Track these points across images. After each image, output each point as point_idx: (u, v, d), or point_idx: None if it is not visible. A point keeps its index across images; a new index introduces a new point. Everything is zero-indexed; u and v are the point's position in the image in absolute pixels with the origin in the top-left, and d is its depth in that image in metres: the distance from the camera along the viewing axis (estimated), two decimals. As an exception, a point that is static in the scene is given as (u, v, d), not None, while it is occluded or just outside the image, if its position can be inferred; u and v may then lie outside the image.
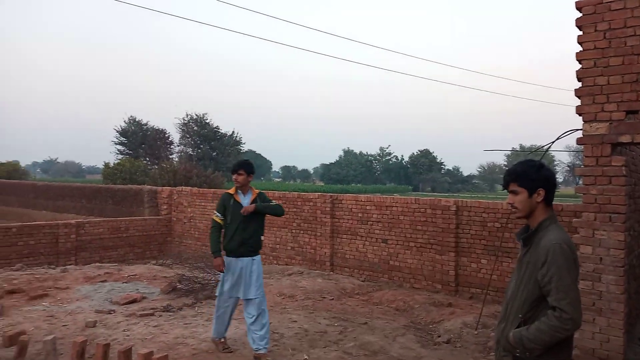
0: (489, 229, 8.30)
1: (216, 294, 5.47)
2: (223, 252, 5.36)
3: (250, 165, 5.44)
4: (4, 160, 36.25)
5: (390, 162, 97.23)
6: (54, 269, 10.28)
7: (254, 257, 5.34)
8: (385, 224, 9.63)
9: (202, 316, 6.61)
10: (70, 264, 11.58)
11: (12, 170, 33.89)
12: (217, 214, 5.40)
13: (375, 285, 9.23)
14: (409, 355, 5.54)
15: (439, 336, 6.25)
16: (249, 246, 5.29)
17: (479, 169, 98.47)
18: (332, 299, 7.99)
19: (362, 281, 9.52)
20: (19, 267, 10.48)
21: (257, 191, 5.54)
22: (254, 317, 5.16)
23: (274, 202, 5.56)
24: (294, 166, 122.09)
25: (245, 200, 5.37)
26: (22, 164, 40.71)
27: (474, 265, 8.45)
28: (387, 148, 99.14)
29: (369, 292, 8.58)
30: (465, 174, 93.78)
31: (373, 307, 7.65)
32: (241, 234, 5.25)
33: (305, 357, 5.29)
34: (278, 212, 5.52)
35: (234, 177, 5.40)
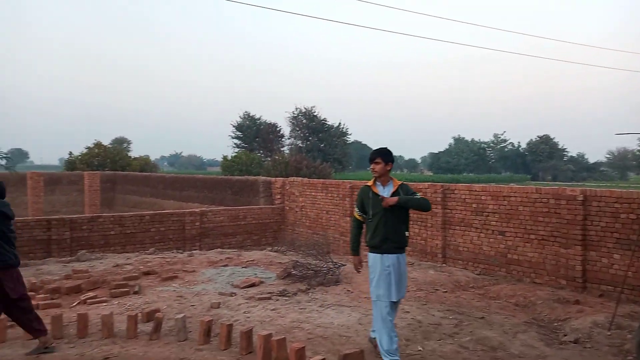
0: (622, 220, 7.49)
1: (372, 299, 4.93)
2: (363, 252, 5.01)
3: (387, 153, 4.93)
4: (137, 155, 40.31)
5: (506, 149, 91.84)
6: (181, 253, 11.21)
7: (400, 255, 4.86)
8: (503, 215, 9.13)
9: (316, 302, 6.79)
10: (195, 249, 12.54)
11: (144, 164, 37.53)
12: (356, 210, 5.04)
13: (492, 279, 8.81)
14: (532, 353, 5.21)
15: (565, 335, 5.80)
16: (393, 242, 4.79)
17: (608, 156, 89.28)
18: (446, 291, 7.77)
19: (477, 274, 9.14)
20: (152, 251, 11.58)
21: (399, 182, 4.98)
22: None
23: (419, 194, 4.95)
24: (400, 156, 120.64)
25: (385, 192, 4.88)
26: (152, 158, 44.93)
27: (605, 261, 7.70)
28: (502, 134, 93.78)
29: (484, 286, 8.21)
30: (592, 160, 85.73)
31: (490, 302, 7.31)
32: (383, 229, 4.77)
33: (420, 348, 5.20)
34: (423, 206, 4.88)
35: (370, 167, 4.94)
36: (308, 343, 5.00)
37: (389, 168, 4.92)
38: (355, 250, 5.10)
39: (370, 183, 5.02)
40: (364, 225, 5.06)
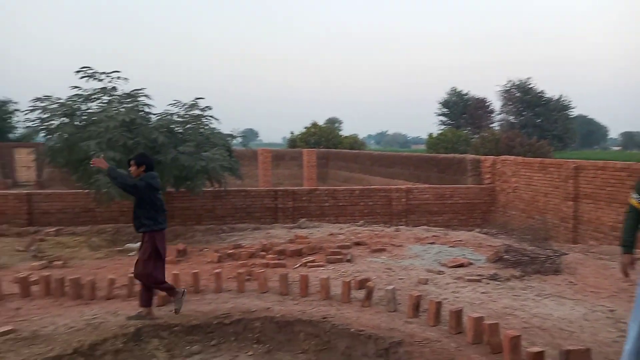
0: None
1: None
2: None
3: None
4: (347, 134, 42.66)
5: None
6: (388, 227, 11.55)
7: None
8: None
9: (532, 290, 6.29)
10: (401, 225, 12.78)
11: (353, 142, 39.58)
12: (636, 196, 4.00)
13: None
14: None
15: None
16: None
17: None
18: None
19: None
20: (362, 224, 12.19)
21: None
22: None
23: None
24: (637, 132, 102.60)
25: None
26: (360, 136, 47.04)
27: None
28: None
29: None
30: None
31: None
32: None
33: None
34: None
35: None
36: (523, 332, 4.66)
37: None
38: (629, 247, 4.01)
39: None
40: None
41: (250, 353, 5.09)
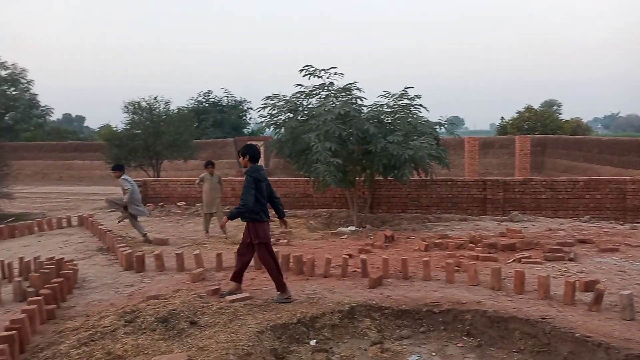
0: None
1: None
2: None
3: None
4: (568, 118, 38.12)
5: None
6: (621, 225, 10.04)
7: None
8: None
9: None
10: (638, 222, 10.96)
11: (575, 126, 35.24)
12: None
13: None
14: None
15: None
16: None
17: None
18: None
19: None
20: (587, 219, 10.84)
21: None
22: None
23: None
24: None
25: None
26: (584, 120, 41.57)
27: None
28: None
29: None
30: None
31: None
32: None
33: None
34: None
35: None
36: None
37: None
38: None
39: None
40: None
41: (459, 345, 5.00)
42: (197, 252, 7.40)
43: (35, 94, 41.17)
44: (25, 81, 39.98)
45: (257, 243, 5.74)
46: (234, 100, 38.53)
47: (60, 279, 5.85)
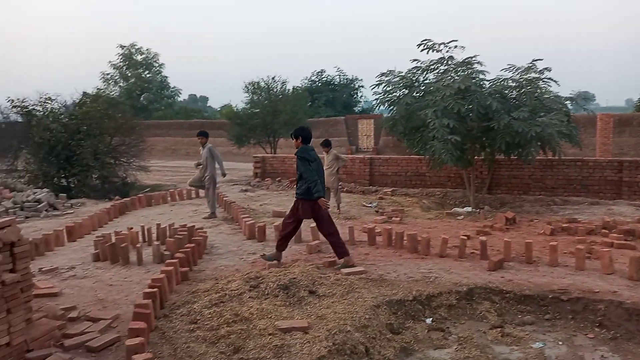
0: None
1: None
2: None
3: None
4: None
5: None
6: None
7: None
8: None
9: None
10: None
11: None
12: None
13: None
14: None
15: None
16: None
17: None
18: None
19: None
20: None
21: None
22: None
23: None
24: None
25: None
26: None
27: None
28: None
29: None
30: None
31: None
32: None
33: None
34: None
35: None
36: None
37: None
38: None
39: None
40: None
41: (590, 336, 4.64)
42: (313, 225, 7.64)
43: (166, 77, 45.00)
44: (157, 65, 43.82)
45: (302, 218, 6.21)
46: (346, 79, 38.75)
47: (192, 245, 6.39)
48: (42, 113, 14.40)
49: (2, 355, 3.53)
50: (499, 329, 4.74)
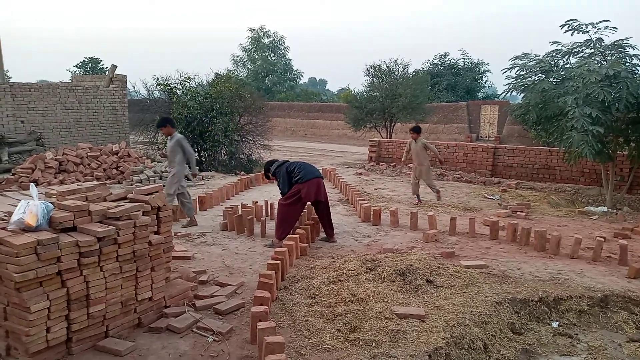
0: None
1: None
2: None
3: None
4: None
5: None
6: None
7: None
8: None
9: None
10: None
11: None
12: None
13: None
14: None
15: None
16: None
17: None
18: None
19: None
20: None
21: None
22: None
23: None
24: None
25: None
26: None
27: None
28: None
29: None
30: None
31: None
32: None
33: None
34: None
35: None
36: None
37: None
38: None
39: None
40: None
41: None
42: (431, 213, 7.46)
43: (290, 59, 46.47)
44: (282, 47, 45.41)
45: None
46: (470, 63, 36.88)
47: (311, 222, 6.59)
48: (181, 91, 15.68)
49: (144, 308, 3.95)
50: (639, 344, 4.27)
